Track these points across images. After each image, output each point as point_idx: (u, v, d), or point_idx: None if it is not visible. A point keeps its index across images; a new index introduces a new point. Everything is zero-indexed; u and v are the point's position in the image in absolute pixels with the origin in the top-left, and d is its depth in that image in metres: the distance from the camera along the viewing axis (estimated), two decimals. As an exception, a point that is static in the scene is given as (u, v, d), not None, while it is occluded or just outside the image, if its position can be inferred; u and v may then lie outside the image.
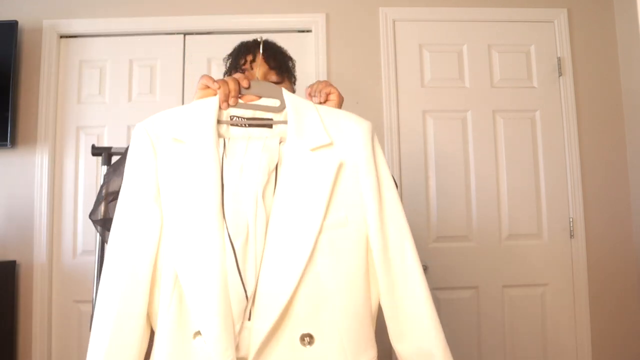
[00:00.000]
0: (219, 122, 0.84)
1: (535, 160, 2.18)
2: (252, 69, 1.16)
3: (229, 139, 0.85)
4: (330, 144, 0.82)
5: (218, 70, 2.19)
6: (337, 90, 0.97)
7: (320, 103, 0.94)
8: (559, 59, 2.22)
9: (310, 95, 0.96)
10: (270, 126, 0.86)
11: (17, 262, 2.06)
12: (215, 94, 0.87)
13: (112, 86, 2.20)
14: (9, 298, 2.00)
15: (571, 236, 2.15)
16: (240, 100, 0.88)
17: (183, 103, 2.18)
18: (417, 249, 0.85)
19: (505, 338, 2.10)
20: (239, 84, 0.88)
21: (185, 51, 2.22)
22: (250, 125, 0.86)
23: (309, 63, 2.18)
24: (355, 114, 0.89)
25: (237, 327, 0.75)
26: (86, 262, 2.04)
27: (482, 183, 2.15)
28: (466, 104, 2.20)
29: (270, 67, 1.16)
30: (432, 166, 2.16)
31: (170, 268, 0.77)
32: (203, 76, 0.90)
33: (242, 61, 1.17)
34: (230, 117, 0.87)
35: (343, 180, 0.81)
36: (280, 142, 0.84)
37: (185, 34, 2.22)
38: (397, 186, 0.91)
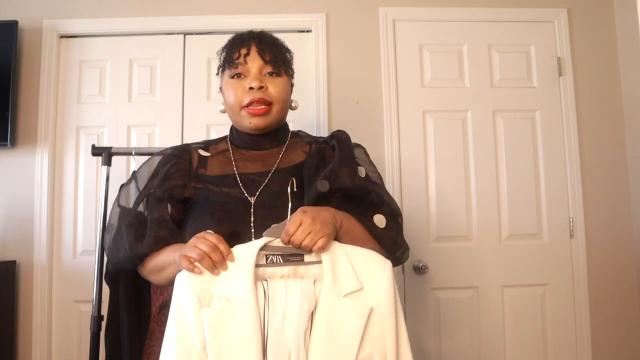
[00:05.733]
0: (256, 265, 0.92)
1: (535, 160, 2.18)
2: (245, 63, 1.12)
3: (267, 280, 0.92)
4: (361, 289, 0.92)
5: (218, 70, 2.19)
6: (327, 233, 0.95)
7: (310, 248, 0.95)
8: (559, 59, 2.22)
9: (291, 242, 0.94)
10: (303, 262, 0.95)
11: (17, 262, 2.06)
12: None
13: (112, 86, 2.20)
14: (9, 298, 2.01)
15: (571, 236, 2.15)
16: (275, 243, 0.94)
17: (183, 103, 2.18)
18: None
19: (505, 338, 2.10)
20: (220, 252, 0.91)
21: (185, 51, 2.22)
22: (286, 265, 0.94)
23: (309, 63, 2.18)
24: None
25: None
26: (86, 262, 2.04)
27: (482, 183, 2.15)
28: (466, 104, 2.20)
29: (265, 61, 1.13)
30: (432, 166, 2.16)
31: None
32: (187, 248, 0.93)
33: (236, 55, 1.13)
34: (266, 256, 0.94)
35: (371, 322, 0.91)
36: (314, 282, 0.92)
37: (185, 34, 2.22)
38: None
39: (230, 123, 1.25)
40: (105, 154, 1.68)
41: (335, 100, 2.16)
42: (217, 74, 1.23)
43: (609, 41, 2.25)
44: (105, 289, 1.51)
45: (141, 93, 2.20)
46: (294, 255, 0.95)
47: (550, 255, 2.14)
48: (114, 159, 1.73)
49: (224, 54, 1.19)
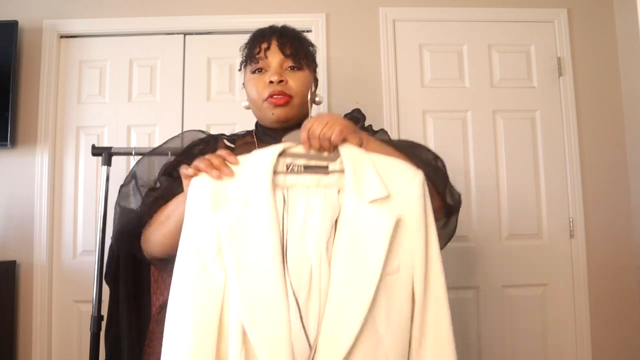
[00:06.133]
0: (275, 172, 0.86)
1: (535, 160, 2.18)
2: (266, 57, 1.12)
3: (288, 189, 0.87)
4: (388, 196, 0.84)
5: (218, 70, 2.19)
6: (345, 124, 0.90)
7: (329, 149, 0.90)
8: (559, 59, 2.22)
9: (308, 139, 0.89)
10: (326, 174, 0.88)
11: (17, 262, 2.06)
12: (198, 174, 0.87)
13: (112, 86, 2.20)
14: (9, 298, 2.00)
15: (571, 236, 2.15)
16: (297, 149, 0.90)
17: (183, 103, 2.18)
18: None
19: (505, 338, 2.10)
20: (223, 159, 0.88)
21: (185, 51, 2.22)
22: (307, 173, 0.88)
23: (309, 63, 2.18)
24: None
25: None
26: (86, 262, 2.04)
27: (482, 183, 2.15)
28: (466, 104, 2.20)
29: (286, 55, 1.11)
30: (432, 166, 2.16)
31: (236, 324, 0.80)
32: (183, 166, 0.90)
33: (257, 50, 1.13)
34: (287, 165, 0.89)
35: (399, 234, 0.84)
36: (338, 192, 0.86)
37: (185, 34, 2.22)
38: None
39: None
40: (105, 154, 1.68)
41: (336, 99, 2.16)
42: (240, 69, 1.23)
43: (609, 41, 2.25)
44: (105, 289, 1.51)
45: (141, 93, 2.20)
46: (316, 167, 0.89)
47: (550, 255, 2.14)
48: (114, 159, 1.72)
49: (245, 49, 1.18)
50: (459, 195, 1.15)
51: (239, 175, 0.87)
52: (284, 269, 0.81)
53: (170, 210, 1.01)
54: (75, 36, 2.22)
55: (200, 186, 0.85)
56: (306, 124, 0.90)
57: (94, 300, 1.64)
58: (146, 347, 1.28)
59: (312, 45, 1.21)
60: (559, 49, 2.23)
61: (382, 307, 0.81)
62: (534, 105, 2.21)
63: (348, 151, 0.88)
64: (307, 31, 2.22)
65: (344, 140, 0.90)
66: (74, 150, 2.17)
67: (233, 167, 0.88)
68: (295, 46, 1.13)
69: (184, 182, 0.90)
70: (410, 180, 0.87)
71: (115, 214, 1.19)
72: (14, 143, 2.10)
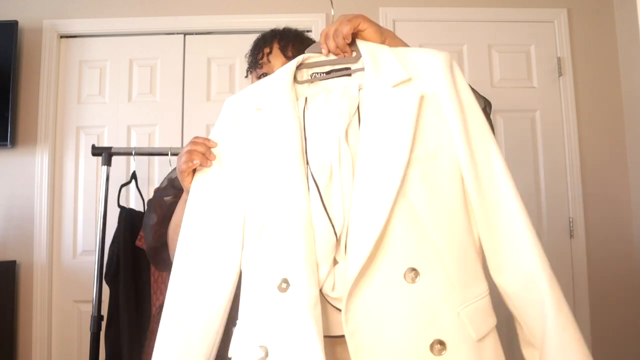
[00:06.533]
0: (299, 82, 0.88)
1: (535, 160, 2.18)
2: (269, 62, 1.12)
3: (310, 95, 0.87)
4: (409, 79, 0.80)
5: (218, 70, 2.19)
6: (359, 15, 0.91)
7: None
8: (559, 59, 2.22)
9: (326, 41, 0.89)
10: (349, 75, 0.87)
11: (17, 262, 2.06)
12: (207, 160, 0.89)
13: (112, 86, 2.20)
14: (9, 298, 2.00)
15: (571, 236, 2.15)
16: (318, 58, 0.90)
17: (183, 103, 2.18)
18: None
19: (505, 338, 2.09)
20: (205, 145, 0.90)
21: (185, 51, 2.22)
22: (329, 78, 0.88)
23: (309, 63, 2.18)
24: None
25: (326, 267, 0.74)
26: (86, 262, 2.04)
27: (482, 183, 2.15)
28: (466, 104, 2.20)
29: (288, 57, 1.11)
30: (432, 166, 2.16)
31: (255, 222, 0.80)
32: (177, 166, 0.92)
33: (260, 55, 1.13)
34: (311, 75, 0.89)
35: (427, 113, 0.79)
36: (359, 90, 0.83)
37: (185, 34, 2.22)
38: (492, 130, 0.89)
39: None
40: (105, 154, 1.68)
41: (335, 100, 2.16)
42: (246, 76, 1.23)
43: (609, 41, 2.25)
44: (105, 289, 1.51)
45: (141, 93, 2.20)
46: (338, 70, 0.88)
47: (550, 255, 2.12)
48: (114, 159, 1.72)
49: (250, 56, 1.19)
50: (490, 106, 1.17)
51: (262, 90, 0.88)
52: (304, 157, 0.79)
53: (178, 211, 1.04)
54: (75, 36, 2.22)
55: (229, 105, 0.90)
56: (324, 28, 0.91)
57: (94, 300, 1.63)
58: (146, 347, 1.28)
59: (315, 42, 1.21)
60: (559, 49, 2.23)
61: (420, 194, 0.74)
62: (534, 105, 2.21)
63: (366, 45, 0.88)
64: (308, 31, 2.21)
65: (359, 32, 0.90)
66: (74, 150, 2.17)
67: (257, 84, 0.91)
68: (297, 48, 1.13)
69: (185, 180, 0.90)
70: (433, 60, 0.83)
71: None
72: (14, 143, 2.10)
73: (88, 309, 1.90)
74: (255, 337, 0.75)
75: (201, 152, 0.88)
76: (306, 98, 0.86)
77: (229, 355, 0.79)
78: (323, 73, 0.89)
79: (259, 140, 0.84)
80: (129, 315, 1.30)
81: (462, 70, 2.33)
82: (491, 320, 0.83)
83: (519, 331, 0.86)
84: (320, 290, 0.74)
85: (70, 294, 2.09)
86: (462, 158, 0.78)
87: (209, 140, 0.91)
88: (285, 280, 0.73)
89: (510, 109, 2.20)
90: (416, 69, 0.82)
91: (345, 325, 0.71)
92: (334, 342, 0.77)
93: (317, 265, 0.73)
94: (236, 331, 0.80)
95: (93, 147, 1.70)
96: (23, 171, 2.12)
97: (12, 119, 2.07)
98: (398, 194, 0.72)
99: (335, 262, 0.75)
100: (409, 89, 0.79)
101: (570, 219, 2.15)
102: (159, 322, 1.10)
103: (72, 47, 2.22)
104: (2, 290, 1.99)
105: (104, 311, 1.49)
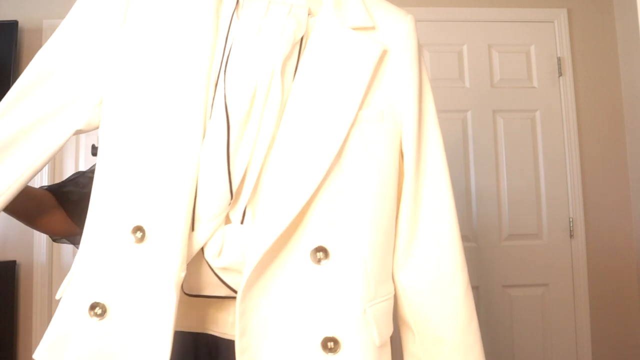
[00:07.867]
0: None
1: (535, 160, 2.18)
2: None
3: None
4: (373, 28, 0.69)
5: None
6: None
7: None
8: (559, 59, 2.22)
9: None
10: None
11: (17, 262, 2.05)
12: None
13: (112, 86, 2.19)
14: (9, 298, 2.00)
15: (571, 236, 2.15)
16: None
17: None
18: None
19: (505, 338, 2.10)
20: None
21: None
22: None
23: (309, 63, 2.18)
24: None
25: (212, 226, 0.59)
26: (86, 262, 2.04)
27: (482, 183, 2.15)
28: (466, 104, 2.20)
29: None
30: (432, 166, 2.16)
31: (115, 137, 0.62)
32: None
33: None
34: None
35: (385, 71, 0.68)
36: (309, 15, 0.68)
37: None
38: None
39: None
40: (105, 154, 1.68)
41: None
42: None
43: (609, 41, 2.25)
44: (105, 289, 1.51)
45: (141, 93, 2.20)
46: None
47: (550, 255, 2.14)
48: (114, 159, 1.72)
49: None
50: None
51: None
52: (210, 75, 0.62)
53: None
54: (75, 36, 2.22)
55: None
56: None
57: (94, 300, 1.63)
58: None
59: None
60: (559, 49, 2.23)
61: (355, 160, 0.63)
62: (534, 105, 2.21)
63: None
64: (307, 31, 2.22)
65: None
66: (74, 150, 2.17)
67: None
68: None
69: None
70: (401, 18, 0.72)
71: None
72: (14, 143, 2.10)
73: (88, 309, 1.90)
74: (94, 290, 0.59)
75: None
76: (238, 1, 0.67)
77: (57, 297, 0.63)
78: None
79: (148, 23, 0.64)
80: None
81: (462, 70, 2.34)
82: (391, 328, 0.67)
83: (409, 344, 0.70)
84: (203, 254, 0.60)
85: (70, 294, 2.09)
86: (408, 136, 0.68)
87: None
88: (140, 229, 0.58)
89: (510, 109, 2.20)
90: (382, 21, 0.70)
91: (240, 318, 0.58)
92: (209, 302, 0.64)
93: (197, 220, 0.59)
94: (70, 282, 0.62)
95: (93, 147, 1.70)
96: (23, 171, 2.11)
97: (12, 119, 2.07)
98: (336, 157, 0.61)
99: (228, 221, 0.61)
100: (370, 39, 0.67)
101: (570, 219, 2.15)
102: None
103: (72, 47, 2.21)
104: (2, 290, 1.99)
105: (104, 311, 1.49)
